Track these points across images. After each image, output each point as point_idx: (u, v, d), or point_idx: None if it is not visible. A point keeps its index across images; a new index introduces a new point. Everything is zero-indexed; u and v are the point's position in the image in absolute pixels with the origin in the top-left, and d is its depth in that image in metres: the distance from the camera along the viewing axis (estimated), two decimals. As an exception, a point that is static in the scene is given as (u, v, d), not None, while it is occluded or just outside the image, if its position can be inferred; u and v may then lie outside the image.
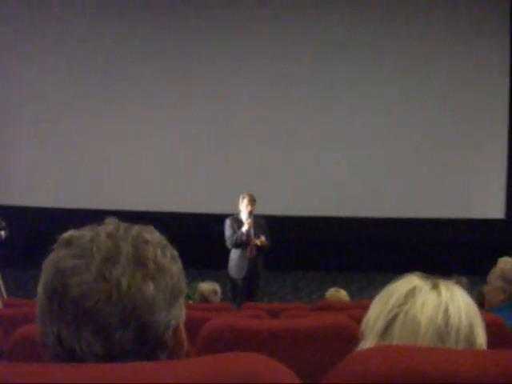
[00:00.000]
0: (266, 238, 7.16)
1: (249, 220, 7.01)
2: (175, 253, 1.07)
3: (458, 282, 4.31)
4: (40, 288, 1.00)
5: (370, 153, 11.20)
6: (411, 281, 1.31)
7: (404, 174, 11.25)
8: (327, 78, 11.26)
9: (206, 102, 11.07)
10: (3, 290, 7.13)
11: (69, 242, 1.00)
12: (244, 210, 7.10)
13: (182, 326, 1.06)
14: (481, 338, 1.23)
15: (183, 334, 1.06)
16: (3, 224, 7.40)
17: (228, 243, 7.16)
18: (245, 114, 11.12)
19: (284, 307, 4.57)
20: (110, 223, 1.05)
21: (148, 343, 0.97)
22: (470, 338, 1.21)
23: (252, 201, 7.11)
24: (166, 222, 9.47)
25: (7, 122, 10.87)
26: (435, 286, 1.28)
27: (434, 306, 1.22)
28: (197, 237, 10.29)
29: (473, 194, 11.35)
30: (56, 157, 10.93)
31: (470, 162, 11.39)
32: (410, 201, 11.12)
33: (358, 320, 1.40)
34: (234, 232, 7.07)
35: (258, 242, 7.04)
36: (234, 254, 7.19)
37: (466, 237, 10.97)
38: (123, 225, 1.05)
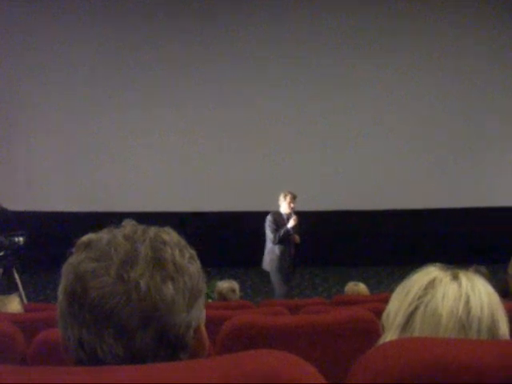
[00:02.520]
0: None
1: (295, 217, 7.21)
2: (193, 253, 1.07)
3: (477, 272, 4.29)
4: (60, 292, 1.00)
5: (386, 145, 11.18)
6: (431, 272, 1.30)
7: (420, 165, 11.20)
8: (340, 77, 11.27)
9: (217, 103, 11.10)
10: (23, 295, 7.18)
11: (87, 246, 1.01)
12: (286, 206, 7.28)
13: (202, 326, 1.06)
14: (503, 329, 1.22)
15: (204, 335, 1.06)
16: (21, 230, 7.44)
17: (272, 238, 7.27)
18: (252, 115, 11.14)
19: (303, 303, 4.55)
20: (128, 225, 1.06)
21: (169, 344, 0.97)
22: (492, 328, 1.20)
23: (294, 198, 7.30)
24: (181, 222, 9.53)
25: (21, 130, 10.92)
26: (455, 277, 1.27)
27: (454, 298, 1.21)
28: (213, 235, 10.32)
29: (490, 183, 11.30)
30: (69, 161, 10.97)
31: (485, 151, 11.35)
32: (426, 192, 11.08)
33: (379, 313, 1.39)
34: (278, 227, 7.21)
35: (297, 238, 7.32)
36: (277, 249, 7.30)
37: (485, 226, 10.92)
38: (141, 227, 1.05)
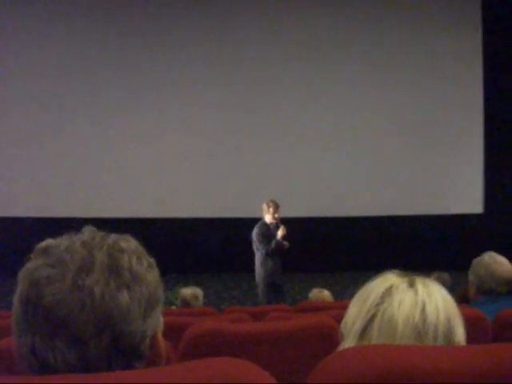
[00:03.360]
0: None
1: (283, 227, 7.12)
2: (152, 261, 1.06)
3: (440, 278, 4.33)
4: (15, 297, 0.98)
5: (352, 155, 11.27)
6: (388, 279, 1.31)
7: (384, 173, 11.32)
8: (317, 81, 11.37)
9: (204, 109, 11.08)
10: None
11: (45, 251, 1.00)
12: (271, 216, 7.19)
13: (159, 335, 1.04)
14: (459, 335, 1.23)
15: (161, 344, 1.04)
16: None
17: (263, 250, 7.13)
18: (243, 119, 11.18)
19: (267, 309, 4.54)
20: (87, 232, 1.04)
21: (124, 353, 0.96)
22: (449, 335, 1.21)
23: (277, 207, 7.22)
24: (144, 228, 9.45)
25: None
26: (412, 284, 1.28)
27: (410, 305, 1.22)
28: (178, 241, 10.28)
29: (451, 191, 11.47)
30: (33, 166, 10.78)
31: (448, 159, 11.53)
32: (391, 199, 11.19)
33: (341, 320, 1.40)
34: (267, 238, 7.11)
35: (286, 245, 7.18)
36: (270, 261, 7.16)
37: (447, 232, 11.07)
38: (100, 233, 1.04)
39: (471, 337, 1.28)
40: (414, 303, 1.23)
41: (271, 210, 7.18)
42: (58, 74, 10.81)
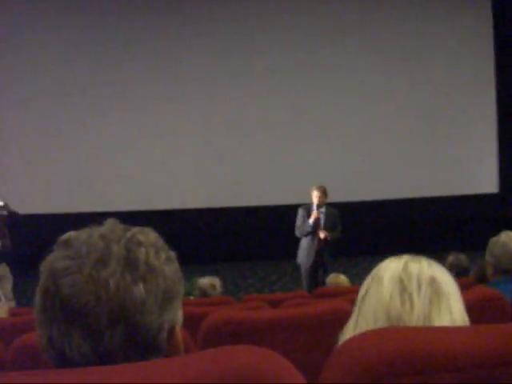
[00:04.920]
0: (337, 228, 7.44)
1: (315, 212, 7.22)
2: (172, 255, 1.05)
3: (457, 259, 4.31)
4: (37, 289, 1.00)
5: (363, 136, 11.23)
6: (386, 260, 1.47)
7: (397, 154, 11.30)
8: (324, 68, 11.36)
9: (204, 100, 11.07)
10: (2, 298, 7.07)
11: (65, 243, 1.01)
12: (314, 201, 7.30)
13: (178, 329, 1.04)
14: (450, 289, 1.32)
15: (179, 338, 1.04)
16: (2, 232, 7.31)
17: (296, 232, 7.40)
18: (241, 109, 11.19)
19: (285, 296, 4.56)
20: (107, 224, 1.04)
21: (139, 345, 0.96)
22: (434, 284, 1.30)
23: (321, 192, 7.30)
24: (163, 220, 9.47)
25: (13, 130, 10.78)
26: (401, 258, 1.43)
27: (396, 263, 1.39)
28: (194, 231, 10.31)
29: (466, 171, 11.42)
30: (53, 162, 10.83)
31: (462, 139, 11.47)
32: (405, 181, 11.17)
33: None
34: (304, 221, 7.30)
35: (321, 235, 7.24)
36: (304, 242, 7.40)
37: (462, 213, 11.02)
38: (119, 226, 1.04)
39: (489, 316, 1.28)
40: (399, 262, 1.39)
41: (313, 192, 7.30)
42: (64, 72, 10.86)
